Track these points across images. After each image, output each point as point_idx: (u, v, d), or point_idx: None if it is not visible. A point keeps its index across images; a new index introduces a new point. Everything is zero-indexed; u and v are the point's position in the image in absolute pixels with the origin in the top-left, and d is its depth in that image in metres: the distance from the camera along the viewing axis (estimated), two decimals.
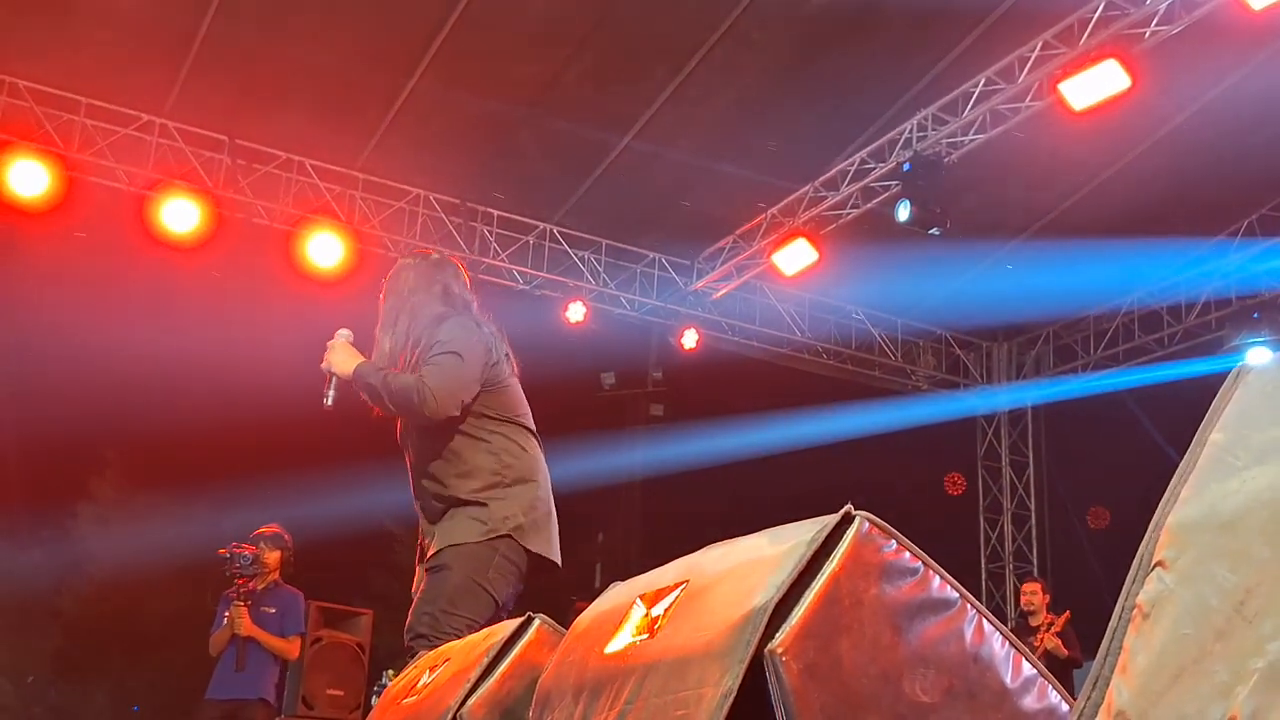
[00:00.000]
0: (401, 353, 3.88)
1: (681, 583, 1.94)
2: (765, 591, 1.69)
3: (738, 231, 10.56)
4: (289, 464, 17.99)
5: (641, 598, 2.02)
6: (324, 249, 9.95)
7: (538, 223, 10.75)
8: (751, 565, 1.80)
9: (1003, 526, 12.06)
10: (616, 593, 2.21)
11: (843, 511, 1.74)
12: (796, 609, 1.66)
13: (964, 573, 12.21)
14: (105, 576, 18.80)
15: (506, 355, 4.00)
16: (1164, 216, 10.38)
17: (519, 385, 4.02)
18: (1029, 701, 1.74)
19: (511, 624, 2.56)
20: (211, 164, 9.67)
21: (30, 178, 8.95)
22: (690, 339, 11.09)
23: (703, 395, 12.17)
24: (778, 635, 1.64)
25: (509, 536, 3.71)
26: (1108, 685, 0.98)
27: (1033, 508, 12.05)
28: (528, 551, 3.78)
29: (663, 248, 11.06)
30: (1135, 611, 0.99)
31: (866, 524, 1.72)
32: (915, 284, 11.56)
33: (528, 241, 10.76)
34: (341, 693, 8.11)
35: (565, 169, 10.21)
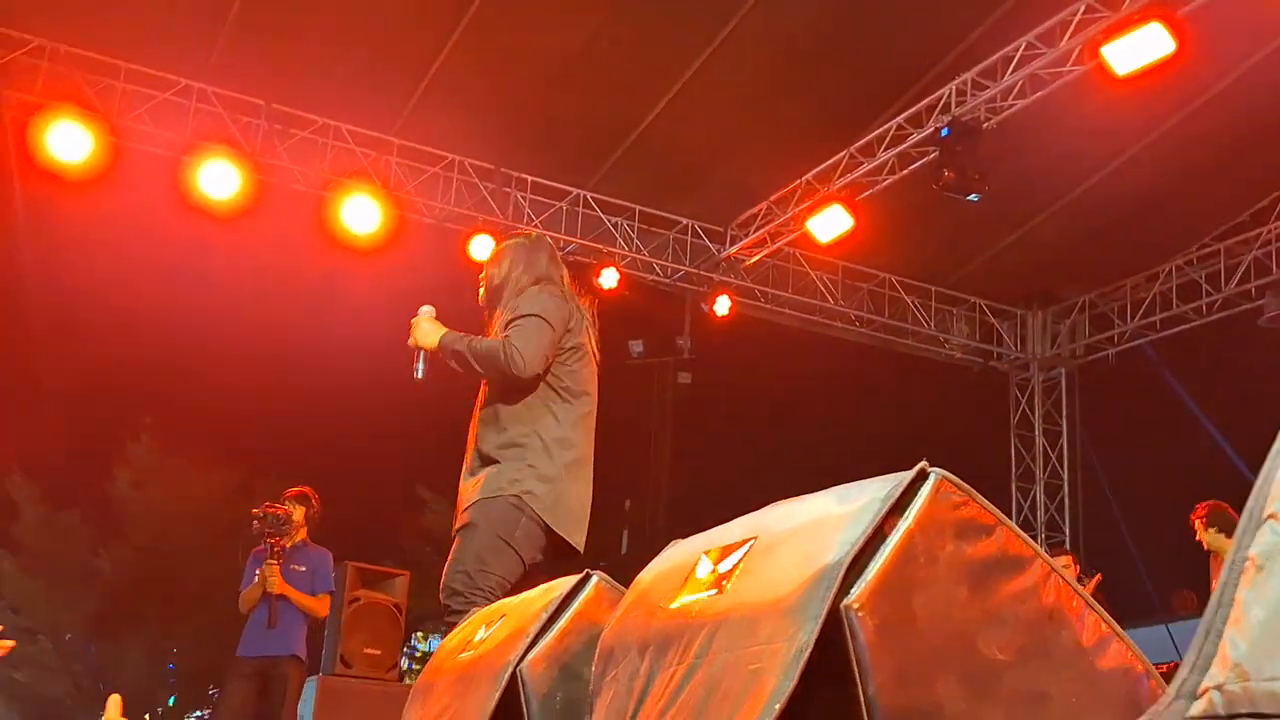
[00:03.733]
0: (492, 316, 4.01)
1: (749, 539, 1.95)
2: (839, 547, 1.69)
3: (772, 198, 10.51)
4: (322, 428, 18.12)
5: (707, 554, 2.03)
6: (360, 214, 9.94)
7: (571, 188, 10.74)
8: (822, 522, 1.81)
9: (1035, 496, 12.02)
10: (679, 549, 2.22)
11: (917, 468, 1.74)
12: (871, 565, 1.66)
13: None
14: (142, 538, 18.99)
15: (587, 332, 4.09)
16: (1204, 183, 10.28)
17: (593, 366, 4.09)
18: (1104, 661, 1.74)
19: (569, 580, 2.58)
20: (249, 129, 9.68)
21: (73, 143, 8.98)
22: (723, 306, 11.06)
23: (734, 363, 12.16)
24: (853, 591, 1.65)
25: (525, 502, 3.76)
26: (1219, 638, 0.98)
27: (1065, 477, 11.99)
28: (549, 528, 3.81)
29: (696, 214, 11.03)
30: (1248, 564, 0.98)
31: (942, 480, 1.73)
32: (950, 251, 11.50)
33: (561, 207, 10.75)
34: (379, 652, 8.17)
35: (599, 135, 10.19)
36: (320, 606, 7.43)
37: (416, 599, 9.20)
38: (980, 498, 1.74)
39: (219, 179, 9.46)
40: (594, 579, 2.54)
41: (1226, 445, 11.75)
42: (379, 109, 9.87)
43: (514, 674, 2.42)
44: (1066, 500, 11.90)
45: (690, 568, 2.04)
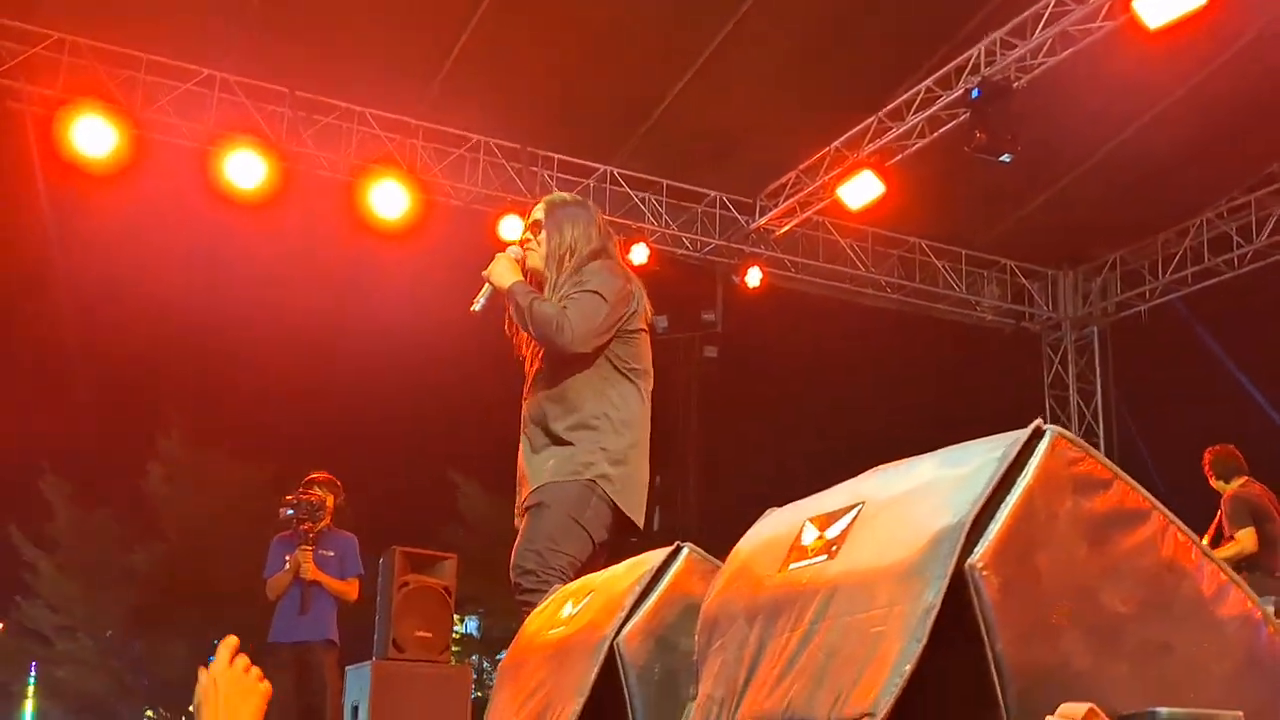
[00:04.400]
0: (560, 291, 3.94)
1: (855, 505, 1.95)
2: (959, 508, 1.69)
3: (800, 166, 10.47)
4: (353, 415, 18.20)
5: (811, 521, 2.03)
6: (388, 199, 9.94)
7: (598, 165, 10.72)
8: (934, 485, 1.81)
9: None
10: (777, 518, 2.22)
11: (1033, 426, 1.75)
12: (992, 525, 1.67)
13: None
14: (177, 533, 19.11)
15: (644, 308, 4.04)
16: (1233, 136, 10.19)
17: (648, 341, 4.06)
18: (1223, 610, 1.74)
19: (659, 553, 2.59)
20: (273, 117, 9.69)
21: (96, 137, 8.96)
22: (754, 278, 11.04)
23: (766, 335, 12.13)
24: (976, 551, 1.65)
25: (598, 485, 3.78)
26: None
27: (1101, 435, 11.96)
28: (615, 507, 3.84)
29: (725, 186, 10.99)
30: None
31: (1058, 437, 1.73)
32: (978, 214, 11.43)
33: (589, 185, 10.72)
34: (430, 635, 8.20)
35: (625, 110, 10.15)
36: (350, 590, 7.46)
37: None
38: (1096, 452, 1.75)
39: (244, 168, 9.46)
40: (685, 551, 2.55)
41: (1261, 397, 11.71)
42: (403, 92, 9.86)
43: (611, 648, 2.43)
44: None
45: (794, 536, 2.05)
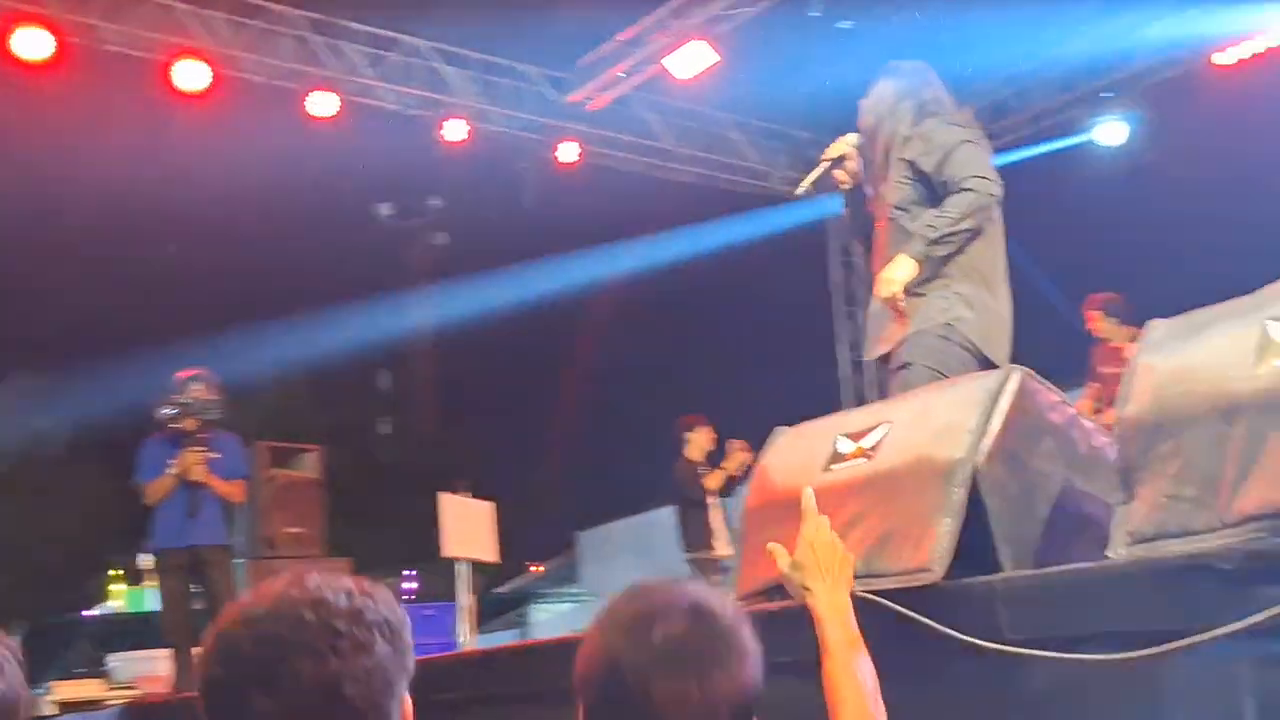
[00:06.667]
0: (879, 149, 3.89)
1: None
2: None
3: (621, 36, 10.30)
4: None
5: (1275, 320, 2.08)
6: (186, 76, 9.26)
7: (404, 36, 10.24)
8: None
9: (858, 317, 12.53)
10: (1195, 327, 2.24)
11: None
12: None
13: (823, 370, 12.69)
14: None
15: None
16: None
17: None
18: None
19: (988, 377, 2.59)
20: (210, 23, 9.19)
21: (30, 45, 8.45)
22: (567, 153, 10.91)
23: (580, 214, 11.99)
24: None
25: (955, 329, 3.75)
26: None
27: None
28: (975, 348, 3.81)
29: (539, 58, 10.72)
30: None
31: None
32: (777, 82, 11.50)
33: (397, 59, 10.24)
34: (302, 530, 7.89)
35: None
36: (237, 492, 7.07)
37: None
38: None
39: (185, 76, 9.15)
40: (1017, 374, 2.56)
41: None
42: None
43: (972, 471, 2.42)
44: None
45: (1257, 336, 2.08)
